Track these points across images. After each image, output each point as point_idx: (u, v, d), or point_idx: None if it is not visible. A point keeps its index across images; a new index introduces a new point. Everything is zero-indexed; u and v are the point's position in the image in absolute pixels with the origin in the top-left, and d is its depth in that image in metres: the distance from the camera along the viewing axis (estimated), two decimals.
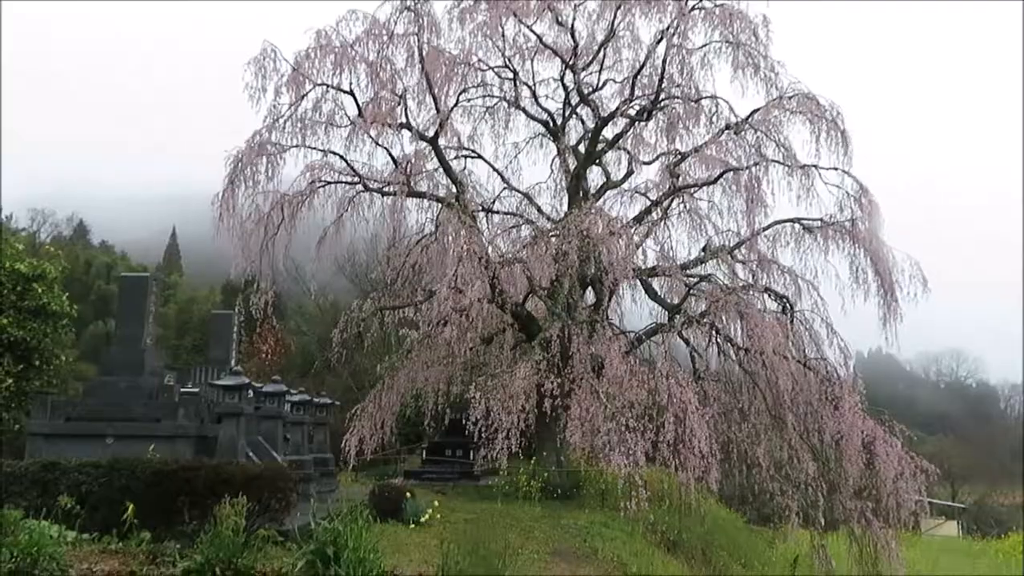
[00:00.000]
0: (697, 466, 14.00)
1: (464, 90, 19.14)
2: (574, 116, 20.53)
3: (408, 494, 13.52)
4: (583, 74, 19.84)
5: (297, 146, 17.14)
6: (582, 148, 20.08)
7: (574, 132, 20.76)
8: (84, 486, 9.51)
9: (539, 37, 19.66)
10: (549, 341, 15.79)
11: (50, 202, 63.84)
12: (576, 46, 19.51)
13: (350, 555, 7.02)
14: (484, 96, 20.29)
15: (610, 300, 17.65)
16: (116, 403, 12.28)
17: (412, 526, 12.44)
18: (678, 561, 14.12)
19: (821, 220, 17.62)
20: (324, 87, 17.29)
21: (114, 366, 12.96)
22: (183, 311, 51.02)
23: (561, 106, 20.36)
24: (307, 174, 16.99)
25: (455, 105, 18.89)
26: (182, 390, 13.82)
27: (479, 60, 19.35)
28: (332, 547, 7.05)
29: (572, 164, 19.70)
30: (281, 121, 17.03)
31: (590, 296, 18.26)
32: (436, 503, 13.77)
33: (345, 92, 17.29)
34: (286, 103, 17.10)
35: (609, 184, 19.84)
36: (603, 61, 20.03)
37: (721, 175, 17.88)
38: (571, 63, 19.60)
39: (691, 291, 17.22)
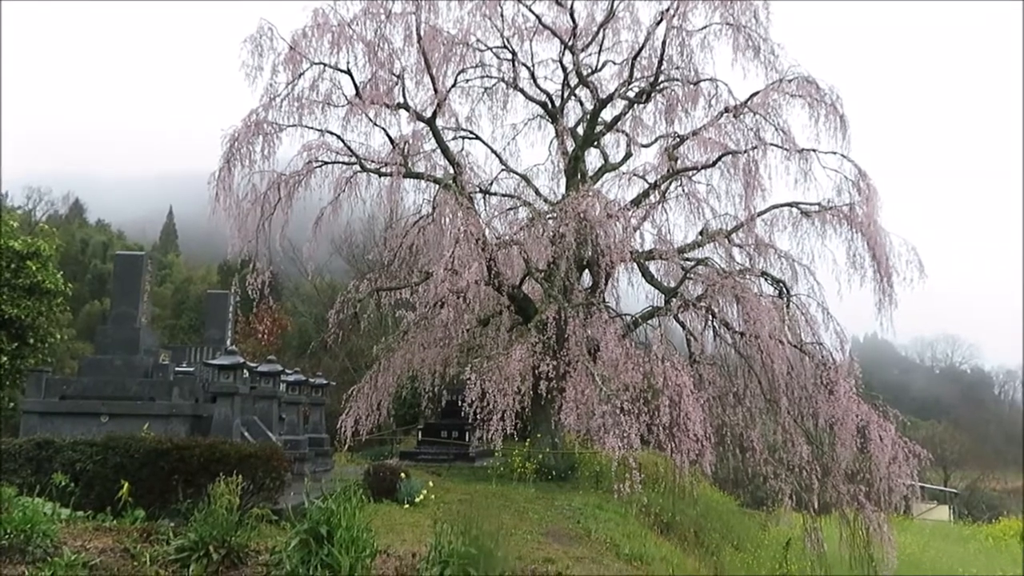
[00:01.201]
0: (692, 449, 14.04)
1: (462, 70, 18.98)
2: (573, 98, 20.41)
3: (403, 475, 13.56)
4: (582, 55, 19.70)
5: (294, 125, 17.06)
6: (580, 130, 19.95)
7: (573, 114, 20.65)
8: (78, 464, 9.52)
9: (538, 17, 19.50)
10: (545, 323, 15.79)
11: (46, 180, 63.44)
12: (575, 27, 19.37)
13: (343, 534, 7.02)
14: (482, 77, 20.15)
15: (607, 283, 17.62)
16: (111, 381, 12.28)
17: (406, 506, 12.49)
18: (671, 543, 14.20)
19: (819, 204, 17.56)
20: (321, 66, 17.16)
21: (109, 344, 12.95)
22: (179, 290, 50.94)
23: (560, 87, 20.24)
24: (304, 154, 16.92)
25: (453, 86, 18.75)
26: (177, 369, 13.79)
27: (477, 40, 19.18)
28: (325, 526, 7.03)
29: (570, 146, 19.59)
30: (278, 100, 16.92)
31: (587, 279, 18.22)
32: (431, 484, 13.83)
33: (342, 71, 17.17)
34: (283, 82, 17.01)
35: (607, 166, 19.77)
36: (602, 42, 19.90)
37: (720, 158, 17.80)
38: (570, 44, 19.47)
39: (688, 275, 17.21)
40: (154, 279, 17.19)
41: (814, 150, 17.70)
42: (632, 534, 12.71)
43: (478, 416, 14.44)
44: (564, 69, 19.98)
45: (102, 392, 12.10)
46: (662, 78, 18.88)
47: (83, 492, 9.05)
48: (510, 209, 19.87)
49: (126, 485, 8.74)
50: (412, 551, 8.10)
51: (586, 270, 17.84)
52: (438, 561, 7.13)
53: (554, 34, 19.59)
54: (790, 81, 17.95)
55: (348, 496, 7.43)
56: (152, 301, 14.96)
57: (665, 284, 17.79)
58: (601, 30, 19.63)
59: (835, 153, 17.63)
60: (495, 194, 19.80)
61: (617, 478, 13.22)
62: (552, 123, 20.16)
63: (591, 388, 14.37)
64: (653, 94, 19.14)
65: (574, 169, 19.14)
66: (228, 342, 17.12)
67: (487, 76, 20.15)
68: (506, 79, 20.06)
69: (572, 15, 19.36)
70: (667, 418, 14.02)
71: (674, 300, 17.04)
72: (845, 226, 17.24)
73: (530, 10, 19.46)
